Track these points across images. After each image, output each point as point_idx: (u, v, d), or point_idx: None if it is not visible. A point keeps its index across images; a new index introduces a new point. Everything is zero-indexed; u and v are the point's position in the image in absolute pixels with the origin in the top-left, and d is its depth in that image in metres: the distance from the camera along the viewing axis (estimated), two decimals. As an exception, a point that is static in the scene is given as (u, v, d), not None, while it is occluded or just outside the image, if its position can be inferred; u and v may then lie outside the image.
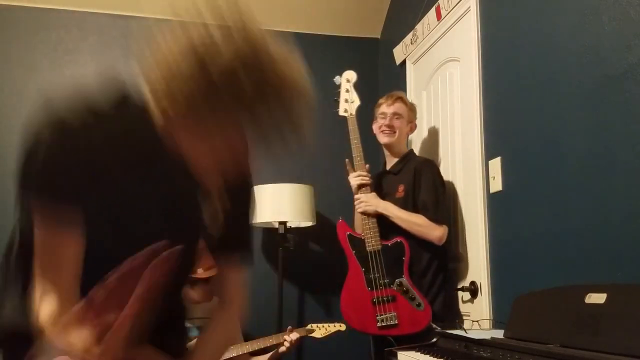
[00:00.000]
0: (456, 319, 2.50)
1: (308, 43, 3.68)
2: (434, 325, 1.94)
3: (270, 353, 2.69)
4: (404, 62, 3.38)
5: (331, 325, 2.70)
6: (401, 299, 2.37)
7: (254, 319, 3.17)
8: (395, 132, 2.64)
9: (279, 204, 3.11)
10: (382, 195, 2.66)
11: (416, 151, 2.93)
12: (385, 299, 2.39)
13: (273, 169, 3.47)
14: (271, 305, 3.16)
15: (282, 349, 2.60)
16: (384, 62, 3.72)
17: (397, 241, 2.46)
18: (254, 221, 3.17)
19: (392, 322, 2.35)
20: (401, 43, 3.37)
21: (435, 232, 2.44)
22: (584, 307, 1.40)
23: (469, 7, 2.58)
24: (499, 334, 1.68)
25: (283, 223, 3.15)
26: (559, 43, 1.95)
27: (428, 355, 1.72)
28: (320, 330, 2.70)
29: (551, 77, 1.98)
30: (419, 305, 2.34)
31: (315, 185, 3.26)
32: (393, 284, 2.39)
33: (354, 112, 2.69)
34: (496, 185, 2.29)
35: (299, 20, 3.60)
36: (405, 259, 2.41)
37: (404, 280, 2.38)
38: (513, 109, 2.22)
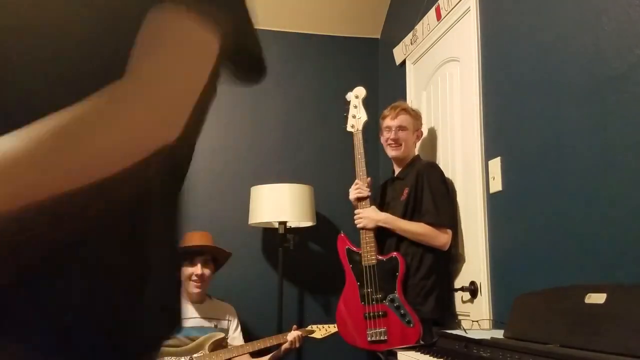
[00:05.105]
0: (452, 319, 2.50)
1: (308, 43, 3.68)
2: (423, 343, 1.96)
3: (272, 354, 2.69)
4: (404, 62, 3.38)
5: (331, 326, 2.71)
6: (392, 315, 2.39)
7: (254, 319, 3.20)
8: (401, 145, 2.67)
9: (279, 204, 3.11)
10: (389, 201, 2.68)
11: (416, 151, 2.94)
12: (376, 314, 2.40)
13: (273, 169, 3.47)
14: (271, 305, 3.16)
15: (285, 345, 2.61)
16: (384, 62, 3.72)
17: (392, 256, 2.47)
18: (254, 221, 3.17)
19: (381, 338, 2.37)
20: (401, 43, 3.37)
21: (439, 239, 2.45)
22: (583, 307, 1.40)
23: (469, 7, 2.58)
24: (499, 334, 1.68)
25: (283, 223, 3.15)
26: (559, 43, 1.95)
27: (428, 355, 1.73)
28: (320, 331, 2.70)
29: (551, 77, 1.98)
30: (409, 322, 2.36)
31: (315, 185, 3.27)
32: (385, 300, 2.41)
33: (360, 128, 2.73)
34: (496, 185, 2.29)
35: (299, 21, 3.61)
36: (399, 274, 2.43)
37: (396, 296, 2.40)
38: (513, 109, 2.22)
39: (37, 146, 0.55)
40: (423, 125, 2.85)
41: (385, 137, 2.70)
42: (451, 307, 2.57)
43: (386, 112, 2.73)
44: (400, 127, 2.67)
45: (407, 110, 2.71)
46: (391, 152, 2.70)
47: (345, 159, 2.81)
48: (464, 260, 2.54)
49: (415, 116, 2.74)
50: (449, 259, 2.57)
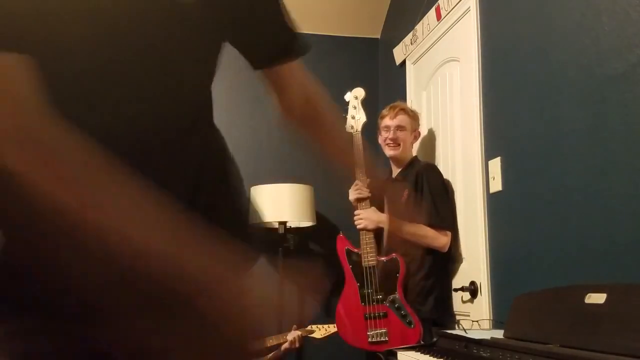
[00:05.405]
0: (451, 319, 2.51)
1: (308, 43, 3.68)
2: (423, 343, 1.96)
3: (272, 354, 2.69)
4: (404, 62, 3.38)
5: (331, 326, 2.71)
6: (393, 316, 2.39)
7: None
8: (399, 145, 2.68)
9: (279, 204, 3.11)
10: (388, 203, 2.68)
11: (416, 151, 2.94)
12: (377, 314, 2.41)
13: (273, 169, 3.47)
14: (271, 305, 3.15)
15: (285, 345, 2.61)
16: (384, 62, 3.72)
17: (392, 257, 2.48)
18: (254, 221, 3.17)
19: (382, 339, 2.38)
20: (401, 43, 3.37)
21: (439, 241, 2.47)
22: (583, 307, 1.40)
23: (469, 7, 2.58)
24: (499, 334, 1.68)
25: (283, 223, 3.15)
26: (559, 43, 1.95)
27: (428, 355, 1.73)
28: (320, 330, 2.70)
29: (551, 77, 1.98)
30: (409, 323, 2.36)
31: (315, 185, 3.26)
32: (386, 300, 2.41)
33: (359, 129, 2.73)
34: (496, 185, 2.29)
35: (299, 21, 3.60)
36: (400, 275, 2.43)
37: (397, 297, 2.41)
38: (513, 109, 2.22)
39: None
40: (423, 125, 2.86)
41: (384, 136, 2.71)
42: (450, 307, 2.57)
43: (384, 112, 2.74)
44: (399, 127, 2.68)
45: (405, 111, 2.72)
46: (389, 152, 2.71)
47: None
48: (464, 260, 2.54)
49: (414, 116, 2.75)
50: (449, 260, 2.58)
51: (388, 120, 2.69)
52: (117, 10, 0.72)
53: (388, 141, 2.69)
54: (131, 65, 0.73)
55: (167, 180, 0.78)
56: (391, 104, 2.77)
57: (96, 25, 0.71)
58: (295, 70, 0.99)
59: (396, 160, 2.73)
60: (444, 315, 2.51)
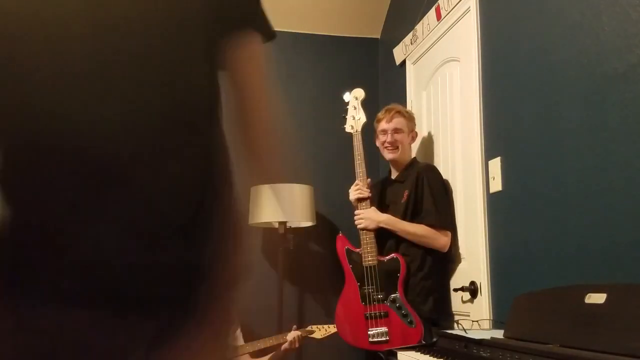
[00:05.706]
0: (449, 318, 2.51)
1: (308, 43, 3.68)
2: (423, 343, 1.97)
3: (272, 354, 2.69)
4: (404, 62, 3.38)
5: (331, 326, 2.71)
6: (393, 315, 2.39)
7: (254, 320, 3.19)
8: (397, 148, 2.68)
9: (279, 204, 3.11)
10: (388, 204, 2.69)
11: (416, 151, 2.95)
12: (377, 314, 2.41)
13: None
14: (271, 305, 3.16)
15: (285, 345, 2.61)
16: (384, 62, 3.72)
17: (393, 257, 2.48)
18: (254, 221, 3.17)
19: (383, 338, 2.38)
20: (401, 43, 3.37)
21: (440, 241, 2.47)
22: (583, 307, 1.40)
23: (469, 7, 2.58)
24: (499, 334, 1.68)
25: (283, 223, 3.14)
26: (559, 43, 1.95)
27: (428, 355, 1.73)
28: (320, 331, 2.70)
29: (551, 77, 1.98)
30: (410, 322, 2.37)
31: (315, 185, 3.26)
32: (386, 300, 2.42)
33: (359, 129, 2.74)
34: (496, 185, 2.29)
35: (299, 21, 3.60)
36: (400, 275, 2.44)
37: (398, 296, 2.41)
38: (513, 109, 2.22)
39: None
40: (423, 126, 2.86)
41: (382, 140, 2.71)
42: (449, 307, 2.58)
43: (380, 115, 2.74)
44: (396, 130, 2.68)
45: (401, 113, 2.72)
46: (388, 155, 2.71)
47: (345, 159, 2.81)
48: (463, 260, 2.54)
49: (410, 118, 2.75)
50: (448, 260, 2.58)
51: (384, 124, 2.70)
52: (117, 10, 0.72)
53: (386, 144, 2.69)
54: (130, 65, 0.73)
55: (169, 179, 0.78)
56: (386, 107, 2.78)
57: (96, 26, 0.71)
58: (258, 72, 0.97)
59: (395, 162, 2.73)
60: (444, 315, 2.51)
